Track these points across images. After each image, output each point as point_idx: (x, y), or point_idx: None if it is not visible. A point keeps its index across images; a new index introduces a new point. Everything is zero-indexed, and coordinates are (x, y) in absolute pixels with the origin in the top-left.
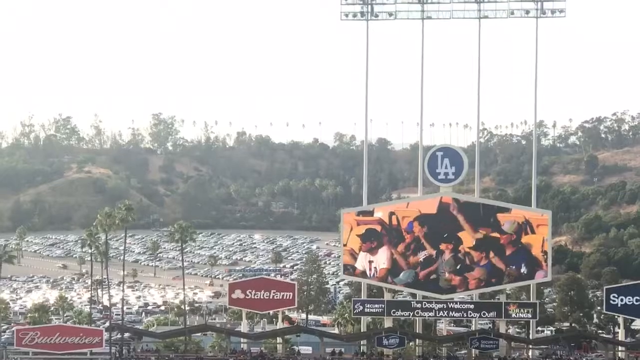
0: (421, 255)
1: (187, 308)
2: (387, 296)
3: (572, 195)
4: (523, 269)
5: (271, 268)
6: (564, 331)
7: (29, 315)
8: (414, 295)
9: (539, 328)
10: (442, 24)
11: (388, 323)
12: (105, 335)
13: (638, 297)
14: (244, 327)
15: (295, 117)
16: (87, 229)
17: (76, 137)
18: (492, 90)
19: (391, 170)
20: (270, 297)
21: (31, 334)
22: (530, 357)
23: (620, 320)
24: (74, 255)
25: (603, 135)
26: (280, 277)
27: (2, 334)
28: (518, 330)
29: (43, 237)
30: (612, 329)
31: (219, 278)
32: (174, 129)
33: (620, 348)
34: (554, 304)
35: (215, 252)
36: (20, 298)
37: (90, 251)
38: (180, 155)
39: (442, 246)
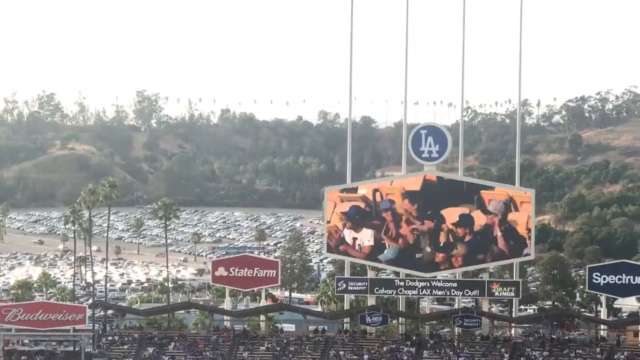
0: (405, 233)
1: (170, 285)
2: (371, 274)
3: (555, 174)
4: (507, 247)
5: (255, 246)
6: (546, 310)
7: (12, 292)
8: (397, 274)
9: (522, 307)
10: (427, 2)
11: (371, 301)
12: (89, 312)
13: (620, 276)
14: (227, 304)
15: (279, 95)
16: (71, 205)
17: (60, 114)
18: (476, 69)
19: (375, 148)
20: (254, 275)
21: (14, 311)
22: (513, 335)
23: (603, 299)
24: (57, 232)
25: (587, 115)
26: (264, 254)
27: None
28: (501, 308)
29: (26, 214)
30: (594, 307)
31: (202, 255)
32: (158, 106)
33: (602, 326)
34: (537, 282)
35: (198, 230)
36: (3, 275)
37: (73, 228)
38: (164, 133)
39: (426, 223)
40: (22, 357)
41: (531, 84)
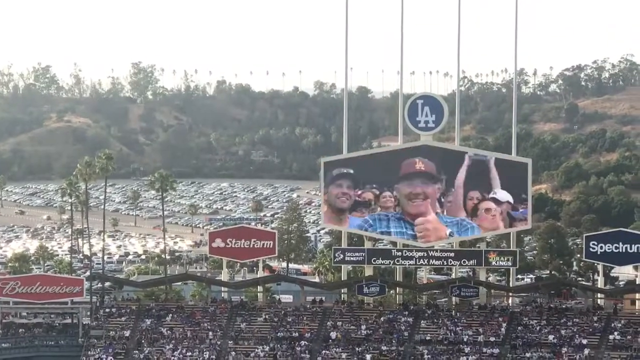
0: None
1: (167, 257)
2: (368, 244)
3: (552, 144)
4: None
5: (252, 217)
6: (543, 279)
7: (10, 264)
8: (394, 244)
9: (519, 276)
10: None
11: (368, 271)
12: (86, 285)
13: (617, 245)
14: (224, 275)
15: (275, 66)
16: (67, 178)
17: (55, 87)
18: (472, 39)
19: (371, 118)
20: (251, 246)
21: (12, 284)
22: (510, 304)
23: (600, 267)
24: (54, 205)
25: (583, 84)
26: (261, 225)
27: None
28: (498, 278)
29: (23, 187)
30: (591, 276)
31: (199, 227)
32: (154, 78)
33: (599, 295)
34: (534, 252)
35: (195, 201)
36: (1, 248)
37: (70, 200)
38: (160, 104)
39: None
40: (20, 330)
41: (527, 53)
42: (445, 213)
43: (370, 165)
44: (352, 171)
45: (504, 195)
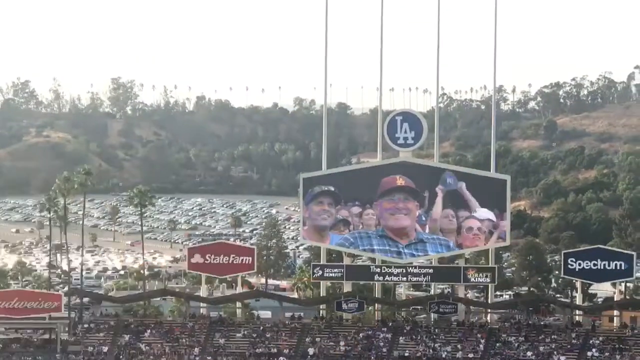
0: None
1: (146, 273)
2: (347, 261)
3: (531, 160)
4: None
5: (231, 232)
6: (522, 295)
7: None
8: (373, 260)
9: (498, 292)
10: None
11: (347, 288)
12: (65, 300)
13: (595, 262)
14: (203, 291)
15: (254, 82)
16: (46, 193)
17: (35, 101)
18: (451, 56)
19: (351, 134)
20: (230, 262)
21: None
22: (489, 321)
23: (578, 284)
24: (33, 220)
25: (562, 101)
26: (240, 241)
27: None
28: (477, 294)
29: (1, 202)
30: (570, 293)
31: (178, 242)
32: (133, 93)
33: (578, 312)
34: (513, 268)
35: (174, 217)
36: None
37: (49, 216)
38: (140, 120)
39: None
40: None
41: (506, 70)
42: (426, 230)
43: (351, 182)
44: (332, 188)
45: (484, 214)
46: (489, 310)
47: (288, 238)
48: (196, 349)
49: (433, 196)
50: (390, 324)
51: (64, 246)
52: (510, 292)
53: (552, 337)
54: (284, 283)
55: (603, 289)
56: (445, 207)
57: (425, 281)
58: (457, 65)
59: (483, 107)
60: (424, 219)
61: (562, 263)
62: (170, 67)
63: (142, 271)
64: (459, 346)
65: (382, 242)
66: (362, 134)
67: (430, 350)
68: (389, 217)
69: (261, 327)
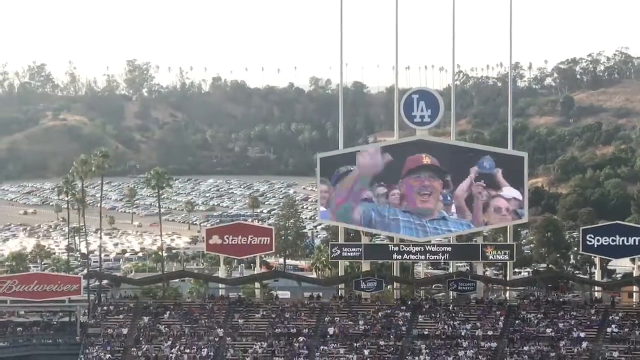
0: None
1: (164, 254)
2: (365, 240)
3: (548, 137)
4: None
5: (248, 213)
6: (540, 272)
7: (7, 263)
8: (391, 239)
9: (516, 270)
10: None
11: (365, 267)
12: (83, 283)
13: (614, 238)
14: (221, 272)
15: (270, 62)
16: (63, 176)
17: (51, 85)
18: (467, 33)
19: (367, 113)
20: (248, 243)
21: (9, 283)
22: (508, 298)
23: (597, 260)
24: (51, 203)
25: (578, 77)
26: (258, 222)
27: None
28: (495, 272)
29: (19, 186)
30: (588, 269)
31: (196, 224)
32: (149, 75)
33: (596, 288)
34: (531, 245)
35: (192, 198)
36: None
37: (67, 199)
38: (156, 102)
39: None
40: (18, 329)
41: (522, 46)
42: (451, 209)
43: (374, 161)
44: (356, 168)
45: (510, 193)
46: (508, 288)
47: (306, 218)
48: (216, 329)
49: (456, 174)
50: (409, 303)
51: (82, 229)
52: (528, 269)
53: (572, 313)
54: (302, 263)
55: (622, 265)
56: (472, 186)
57: (444, 259)
58: (473, 42)
59: (499, 84)
60: (448, 198)
61: (581, 239)
62: (186, 48)
63: (160, 253)
64: (478, 324)
65: (406, 220)
66: (379, 113)
67: (450, 328)
68: (415, 195)
69: (280, 307)
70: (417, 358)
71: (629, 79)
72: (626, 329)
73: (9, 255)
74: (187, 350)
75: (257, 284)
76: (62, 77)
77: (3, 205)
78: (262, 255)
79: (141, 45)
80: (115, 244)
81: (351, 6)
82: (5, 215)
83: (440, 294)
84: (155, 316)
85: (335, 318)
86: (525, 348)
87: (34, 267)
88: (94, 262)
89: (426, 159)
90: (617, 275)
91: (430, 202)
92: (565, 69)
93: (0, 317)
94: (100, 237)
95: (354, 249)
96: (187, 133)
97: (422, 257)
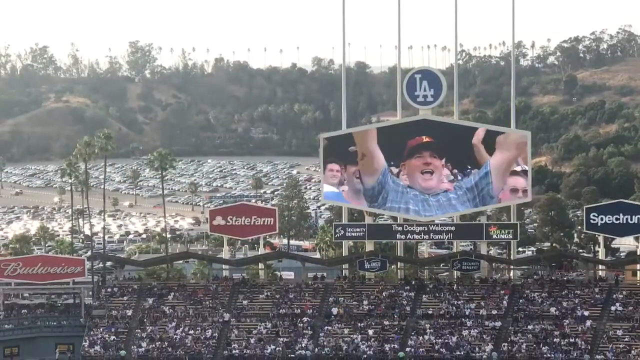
0: None
1: (168, 236)
2: (368, 220)
3: (551, 116)
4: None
5: (252, 194)
6: (544, 251)
7: (11, 246)
8: (394, 219)
9: (520, 249)
10: None
11: (369, 247)
12: (88, 265)
13: (618, 216)
14: (225, 253)
15: (273, 43)
16: (67, 158)
17: (53, 67)
18: (470, 12)
19: (370, 93)
20: (252, 223)
21: (13, 265)
22: (512, 277)
23: (601, 239)
24: (54, 185)
25: (581, 55)
26: (261, 202)
27: None
28: (499, 251)
29: (22, 168)
30: (592, 248)
31: (199, 205)
32: (152, 57)
33: (600, 267)
34: (535, 224)
35: (195, 179)
36: (1, 229)
37: (70, 181)
38: (159, 83)
39: None
40: (23, 311)
41: (525, 25)
42: (453, 188)
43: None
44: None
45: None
46: (512, 267)
47: (309, 198)
48: (220, 310)
49: (459, 153)
50: (413, 282)
51: (86, 211)
52: (532, 248)
53: (576, 292)
54: (306, 243)
55: (626, 244)
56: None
57: (448, 239)
58: (476, 21)
59: (502, 63)
60: (451, 176)
61: (584, 218)
62: (188, 29)
63: (164, 234)
64: (482, 303)
65: (414, 199)
66: (382, 93)
67: (454, 308)
68: (418, 175)
69: (284, 288)
70: (421, 338)
71: (632, 57)
72: (630, 307)
73: (13, 238)
74: (192, 332)
75: (261, 265)
76: (65, 59)
77: (7, 187)
78: (266, 236)
79: (143, 26)
80: (119, 226)
81: None
82: (10, 197)
83: (444, 274)
84: (159, 297)
85: (340, 298)
86: (530, 327)
87: (38, 249)
88: (97, 244)
89: (426, 138)
90: (621, 254)
91: (434, 181)
92: (568, 47)
93: (5, 300)
94: (104, 219)
95: (357, 229)
96: (190, 114)
97: (426, 236)
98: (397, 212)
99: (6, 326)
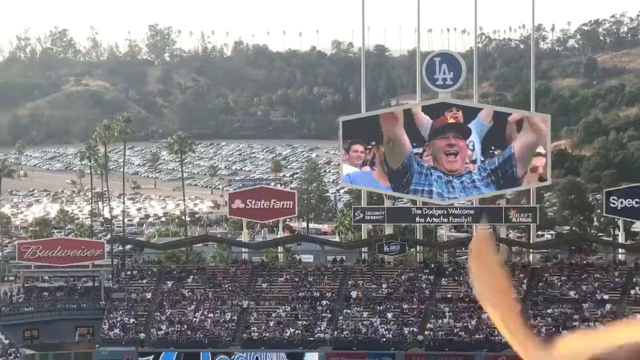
0: None
1: (187, 219)
2: (387, 203)
3: (571, 99)
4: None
5: (271, 177)
6: (564, 235)
7: (31, 229)
8: (414, 202)
9: (540, 232)
10: None
11: (389, 230)
12: (107, 248)
13: (638, 199)
14: (244, 236)
15: (292, 26)
16: (86, 142)
17: (73, 50)
18: None
19: (389, 76)
20: (271, 207)
21: (33, 248)
22: (531, 261)
23: (620, 222)
24: (74, 169)
25: (602, 38)
26: (280, 186)
27: (4, 248)
28: (518, 234)
29: (42, 151)
30: (612, 231)
31: (219, 188)
32: (171, 40)
33: (620, 250)
34: (554, 208)
35: (214, 163)
36: (21, 212)
37: (89, 164)
38: (178, 66)
39: None
40: (43, 294)
41: (545, 8)
42: (475, 169)
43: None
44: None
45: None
46: (531, 250)
47: (328, 181)
48: (239, 294)
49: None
50: (432, 266)
51: (106, 194)
52: (552, 232)
53: (595, 276)
54: (325, 227)
55: None
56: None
57: (467, 222)
58: (496, 4)
59: (522, 46)
60: (473, 157)
61: (604, 201)
62: (208, 12)
63: (183, 217)
64: None
65: (438, 180)
66: (401, 76)
67: (473, 291)
68: (442, 156)
69: (303, 271)
70: (440, 321)
71: None
72: None
73: (33, 221)
74: (211, 315)
75: (280, 248)
76: (84, 42)
77: (27, 171)
78: (285, 219)
79: (163, 9)
80: (139, 209)
81: None
82: (30, 180)
83: (464, 257)
84: (178, 280)
85: (359, 281)
86: (549, 310)
87: (57, 232)
88: (117, 227)
89: (451, 119)
90: None
91: (458, 162)
92: (588, 30)
93: (25, 283)
94: (124, 202)
95: (376, 212)
96: (210, 97)
97: (445, 219)
98: (421, 196)
99: (26, 309)
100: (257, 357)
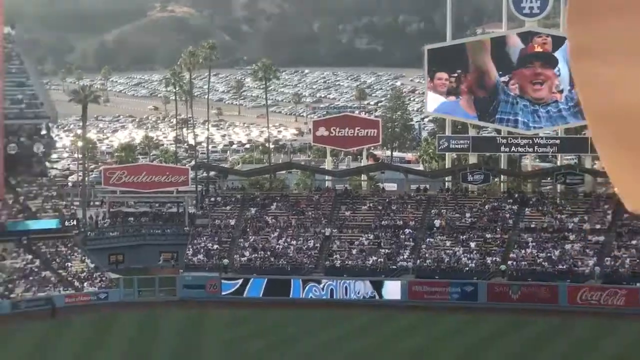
0: None
1: (271, 146)
2: (472, 132)
3: None
4: None
5: (355, 105)
6: None
7: (116, 154)
8: (498, 131)
9: None
10: None
11: (473, 159)
12: (191, 174)
13: None
14: (328, 164)
15: None
16: (171, 68)
17: None
18: None
19: (476, 4)
20: (355, 134)
21: (118, 173)
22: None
23: None
24: (159, 95)
25: None
26: (365, 114)
27: (90, 173)
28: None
29: (127, 77)
30: None
31: (303, 116)
32: None
33: None
34: None
35: (299, 90)
36: (107, 138)
37: (174, 90)
38: None
39: None
40: (128, 219)
41: None
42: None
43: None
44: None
45: None
46: None
47: (413, 110)
48: (323, 221)
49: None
50: (516, 196)
51: (190, 120)
52: None
53: None
54: (409, 155)
55: None
56: None
57: (552, 152)
58: None
59: None
60: (560, 87)
61: None
62: None
63: (267, 145)
64: (585, 217)
65: (524, 109)
66: (487, 4)
67: (557, 222)
68: (528, 85)
69: (387, 200)
70: (523, 251)
71: None
72: None
73: (118, 146)
74: (294, 242)
75: (363, 176)
76: None
77: (112, 96)
78: (369, 148)
79: None
80: (223, 136)
81: None
82: (115, 106)
83: (548, 187)
84: (262, 207)
85: (442, 210)
86: (634, 242)
87: (142, 158)
88: (201, 153)
89: (538, 47)
90: None
91: (544, 91)
92: None
93: (110, 208)
94: (208, 129)
95: (461, 141)
96: (294, 25)
97: (530, 149)
98: (506, 125)
99: (111, 234)
100: (346, 285)
